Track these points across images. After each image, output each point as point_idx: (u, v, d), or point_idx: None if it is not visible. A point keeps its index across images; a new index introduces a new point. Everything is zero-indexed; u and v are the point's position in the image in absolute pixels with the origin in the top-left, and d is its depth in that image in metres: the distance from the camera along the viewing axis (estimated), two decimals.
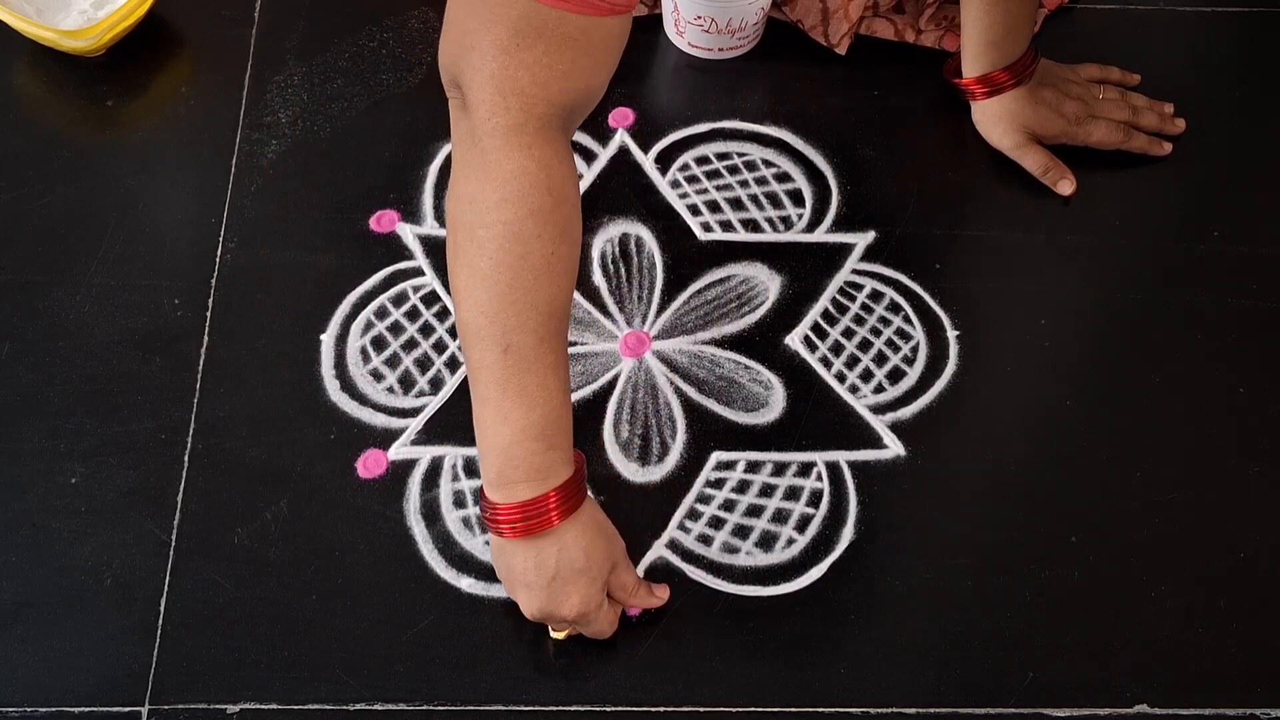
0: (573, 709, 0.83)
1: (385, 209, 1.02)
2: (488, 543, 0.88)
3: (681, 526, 0.90)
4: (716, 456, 0.92)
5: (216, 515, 0.89)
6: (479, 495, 0.83)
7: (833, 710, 0.84)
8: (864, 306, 0.98)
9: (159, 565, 0.87)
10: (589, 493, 0.83)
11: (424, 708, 0.83)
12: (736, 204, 1.03)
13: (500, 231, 0.74)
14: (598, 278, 0.99)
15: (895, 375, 0.96)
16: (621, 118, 1.07)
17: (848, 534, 0.89)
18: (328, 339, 0.96)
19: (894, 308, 0.98)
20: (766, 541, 0.89)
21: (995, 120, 1.04)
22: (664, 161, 1.05)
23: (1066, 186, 1.03)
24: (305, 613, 0.86)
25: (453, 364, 0.95)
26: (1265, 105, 1.10)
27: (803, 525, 0.90)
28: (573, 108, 0.76)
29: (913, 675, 0.85)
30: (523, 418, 0.77)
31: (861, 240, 1.01)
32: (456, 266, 0.77)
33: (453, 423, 0.93)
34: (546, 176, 0.74)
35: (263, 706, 0.83)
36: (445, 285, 0.98)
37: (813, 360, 0.96)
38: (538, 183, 0.74)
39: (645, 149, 1.05)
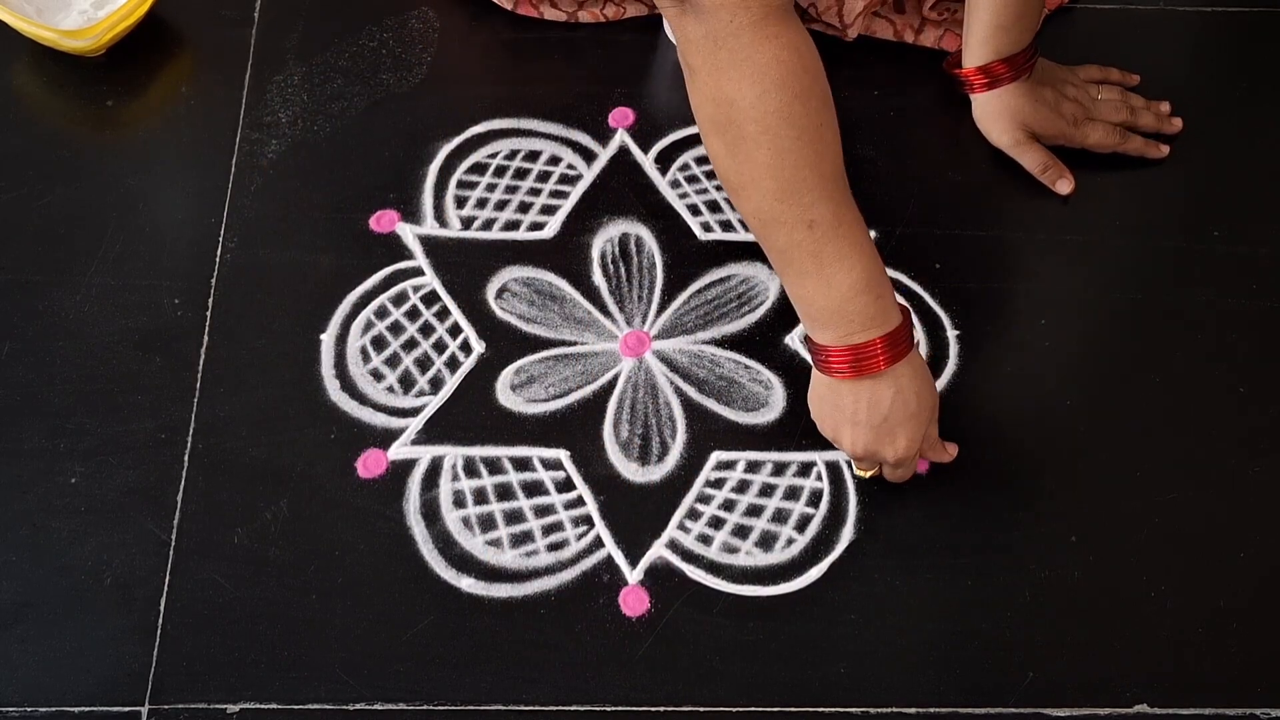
0: (573, 709, 0.83)
1: (385, 209, 1.02)
2: (488, 543, 0.88)
3: (681, 526, 0.90)
4: (716, 456, 0.92)
5: (216, 515, 0.89)
6: (804, 340, 0.87)
7: (833, 710, 0.84)
8: None
9: (159, 565, 0.87)
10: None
11: (424, 708, 0.83)
12: None
13: (773, 121, 0.78)
14: (598, 277, 0.99)
15: None
16: (621, 118, 1.07)
17: (848, 534, 0.89)
18: (328, 339, 0.96)
19: None
20: (766, 541, 0.89)
21: (995, 116, 1.03)
22: (664, 161, 1.05)
23: (1065, 185, 1.03)
24: (305, 613, 0.86)
25: (452, 364, 0.95)
26: (1265, 105, 1.10)
27: (803, 525, 0.90)
28: None
29: (913, 675, 0.85)
30: (846, 278, 0.81)
31: None
32: (734, 164, 0.80)
33: (453, 423, 0.93)
34: (799, 59, 0.78)
35: (263, 706, 0.83)
36: (445, 285, 0.98)
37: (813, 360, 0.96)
38: (794, 67, 0.78)
39: (645, 149, 1.05)
